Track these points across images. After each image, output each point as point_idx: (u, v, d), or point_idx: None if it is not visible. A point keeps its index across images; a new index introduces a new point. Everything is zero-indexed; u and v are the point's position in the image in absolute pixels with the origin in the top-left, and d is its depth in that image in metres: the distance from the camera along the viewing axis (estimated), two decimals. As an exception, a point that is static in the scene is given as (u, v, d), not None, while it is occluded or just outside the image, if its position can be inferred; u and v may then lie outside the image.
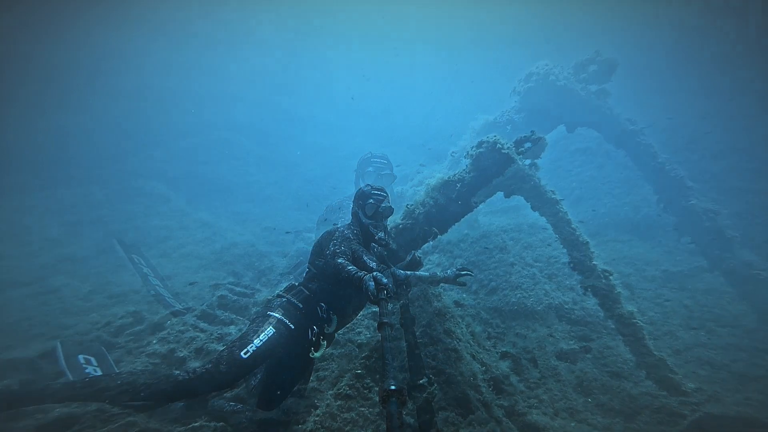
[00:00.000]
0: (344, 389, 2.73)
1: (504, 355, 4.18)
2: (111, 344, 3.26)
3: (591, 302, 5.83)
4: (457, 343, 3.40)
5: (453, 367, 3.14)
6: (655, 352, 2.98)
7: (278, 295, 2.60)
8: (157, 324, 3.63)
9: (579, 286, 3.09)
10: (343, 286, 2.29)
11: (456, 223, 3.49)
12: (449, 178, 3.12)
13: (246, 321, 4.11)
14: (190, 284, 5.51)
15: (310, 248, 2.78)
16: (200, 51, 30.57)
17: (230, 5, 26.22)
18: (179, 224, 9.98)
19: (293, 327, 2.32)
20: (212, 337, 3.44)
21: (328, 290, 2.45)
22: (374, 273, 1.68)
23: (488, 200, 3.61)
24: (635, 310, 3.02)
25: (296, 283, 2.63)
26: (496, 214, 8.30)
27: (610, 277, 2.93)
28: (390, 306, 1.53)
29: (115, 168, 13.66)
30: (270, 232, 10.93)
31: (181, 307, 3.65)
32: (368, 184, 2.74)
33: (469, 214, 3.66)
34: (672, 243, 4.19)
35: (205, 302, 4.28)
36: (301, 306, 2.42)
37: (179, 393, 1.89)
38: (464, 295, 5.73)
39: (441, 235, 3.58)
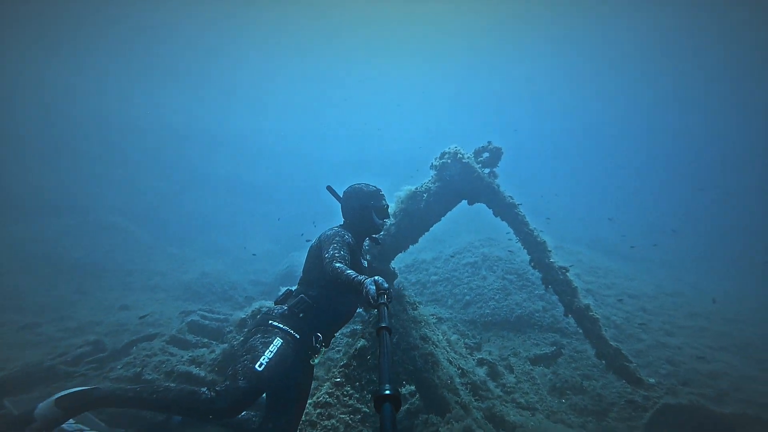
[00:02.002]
0: (324, 397, 2.70)
1: (480, 362, 4.28)
2: (67, 374, 3.01)
3: (559, 309, 6.18)
4: (434, 348, 3.48)
5: (430, 372, 3.20)
6: (611, 343, 3.23)
7: (276, 303, 2.47)
8: (121, 351, 3.41)
9: (541, 282, 3.35)
10: (343, 290, 2.21)
11: (426, 233, 3.71)
12: (416, 189, 3.37)
13: (219, 344, 3.96)
14: (141, 318, 5.03)
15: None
16: (171, 74, 30.31)
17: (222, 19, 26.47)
18: (145, 257, 9.54)
19: (298, 336, 2.24)
20: (183, 360, 3.28)
21: (330, 296, 2.36)
22: (375, 277, 1.62)
23: (460, 218, 3.92)
24: (591, 303, 3.30)
25: (292, 290, 2.51)
26: (471, 231, 8.71)
27: (567, 273, 3.21)
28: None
29: (73, 202, 12.98)
30: (241, 261, 10.69)
31: None
32: (366, 183, 2.62)
33: (442, 232, 3.93)
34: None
35: (174, 328, 4.09)
36: (303, 314, 2.32)
37: (202, 412, 1.77)
38: (441, 309, 5.87)
39: (413, 244, 3.78)
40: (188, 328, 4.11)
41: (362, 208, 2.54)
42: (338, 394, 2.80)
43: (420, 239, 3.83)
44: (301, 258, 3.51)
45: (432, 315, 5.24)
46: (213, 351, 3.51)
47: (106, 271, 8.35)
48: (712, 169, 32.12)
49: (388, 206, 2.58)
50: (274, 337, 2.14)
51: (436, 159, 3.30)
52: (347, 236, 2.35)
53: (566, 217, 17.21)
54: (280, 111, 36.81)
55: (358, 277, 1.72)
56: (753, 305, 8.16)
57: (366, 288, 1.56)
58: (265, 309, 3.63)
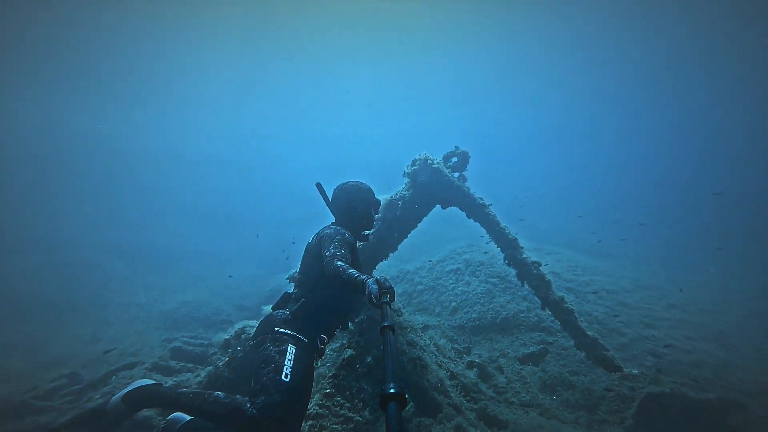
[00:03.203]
0: (314, 409, 2.68)
1: (470, 365, 4.32)
2: (39, 408, 2.83)
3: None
4: (421, 352, 3.52)
5: (419, 375, 3.23)
6: (588, 333, 3.37)
7: (275, 308, 2.41)
8: (99, 381, 3.25)
9: (517, 278, 3.49)
10: (344, 289, 2.17)
11: (405, 239, 3.81)
12: (392, 197, 3.50)
13: (204, 368, 3.84)
14: (106, 353, 4.71)
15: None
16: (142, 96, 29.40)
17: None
18: (121, 289, 9.17)
19: (306, 340, 2.21)
20: (167, 385, 3.16)
21: (331, 296, 2.33)
22: (377, 276, 1.61)
23: (442, 227, 4.07)
24: (565, 295, 3.45)
25: (290, 293, 2.46)
26: (453, 239, 8.89)
27: (540, 268, 3.37)
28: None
29: (40, 238, 12.42)
30: (223, 288, 10.43)
31: None
32: (360, 181, 2.68)
33: (424, 243, 4.05)
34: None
35: (156, 356, 3.95)
36: (307, 318, 2.28)
37: (244, 427, 1.74)
38: (429, 317, 5.90)
39: (393, 252, 3.87)
40: (171, 354, 3.98)
41: (363, 204, 2.59)
42: (329, 404, 2.78)
43: (402, 248, 3.93)
44: (284, 278, 3.48)
45: (420, 323, 5.28)
46: (198, 375, 3.42)
47: (79, 306, 7.95)
48: (676, 164, 33.73)
49: (380, 202, 2.71)
50: (286, 345, 2.09)
51: (408, 166, 3.46)
52: (347, 234, 2.32)
53: (542, 218, 17.74)
54: (258, 122, 36.68)
55: (360, 277, 1.70)
56: (726, 296, 8.58)
57: (368, 287, 1.54)
58: (248, 329, 3.59)
